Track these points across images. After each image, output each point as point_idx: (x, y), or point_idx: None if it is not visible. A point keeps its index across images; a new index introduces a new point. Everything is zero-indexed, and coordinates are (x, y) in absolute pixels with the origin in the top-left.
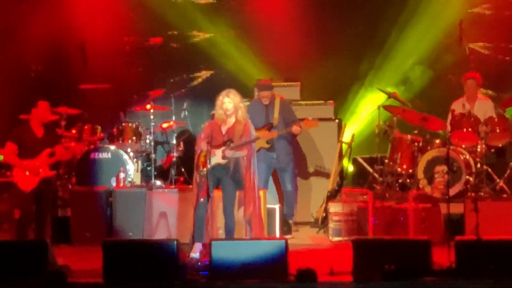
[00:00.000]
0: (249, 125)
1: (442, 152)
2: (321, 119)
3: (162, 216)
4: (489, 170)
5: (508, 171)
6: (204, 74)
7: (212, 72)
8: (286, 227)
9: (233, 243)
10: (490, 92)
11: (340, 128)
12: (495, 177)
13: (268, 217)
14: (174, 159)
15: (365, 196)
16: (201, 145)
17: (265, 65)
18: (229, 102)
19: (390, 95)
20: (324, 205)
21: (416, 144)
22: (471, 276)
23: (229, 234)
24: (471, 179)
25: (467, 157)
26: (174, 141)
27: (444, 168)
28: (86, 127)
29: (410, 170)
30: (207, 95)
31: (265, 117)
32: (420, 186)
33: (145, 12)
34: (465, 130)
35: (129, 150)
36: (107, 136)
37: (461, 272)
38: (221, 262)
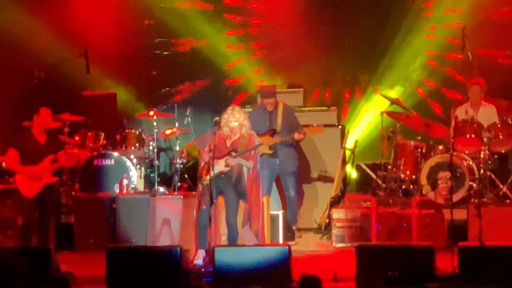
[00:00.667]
0: (254, 138)
1: (445, 158)
2: (324, 126)
3: (166, 222)
4: (493, 176)
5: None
6: (207, 80)
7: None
8: (290, 233)
9: (236, 250)
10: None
11: (343, 134)
12: (498, 183)
13: (271, 223)
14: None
15: (368, 202)
16: (205, 157)
17: (269, 72)
18: (234, 122)
19: (393, 101)
20: (327, 211)
21: (419, 150)
22: (474, 282)
23: (232, 244)
24: (474, 185)
25: (470, 163)
26: (178, 148)
27: (447, 174)
28: (89, 133)
29: (413, 176)
30: (210, 102)
31: (269, 124)
32: (424, 192)
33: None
34: (468, 136)
35: (132, 156)
36: (110, 142)
37: (464, 278)
38: (224, 268)
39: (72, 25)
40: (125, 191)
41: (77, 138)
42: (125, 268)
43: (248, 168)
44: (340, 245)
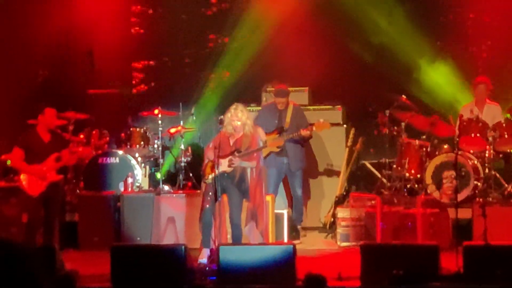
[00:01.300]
0: (257, 136)
1: (450, 157)
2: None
3: (170, 221)
4: (497, 175)
5: None
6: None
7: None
8: (295, 232)
9: (241, 248)
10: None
11: (348, 133)
12: (504, 182)
13: (276, 222)
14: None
15: (373, 201)
16: (209, 155)
17: (274, 70)
18: (237, 121)
19: (397, 100)
20: (332, 210)
21: (424, 149)
22: (479, 281)
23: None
24: (479, 184)
25: (475, 162)
26: (182, 146)
27: (452, 173)
28: (94, 132)
29: (418, 175)
30: (214, 100)
31: (278, 122)
32: (428, 191)
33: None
34: (473, 135)
35: (137, 155)
36: (115, 141)
37: (469, 277)
38: (229, 267)
39: (77, 23)
40: (129, 189)
41: (81, 136)
42: (130, 267)
43: (252, 168)
44: (344, 244)
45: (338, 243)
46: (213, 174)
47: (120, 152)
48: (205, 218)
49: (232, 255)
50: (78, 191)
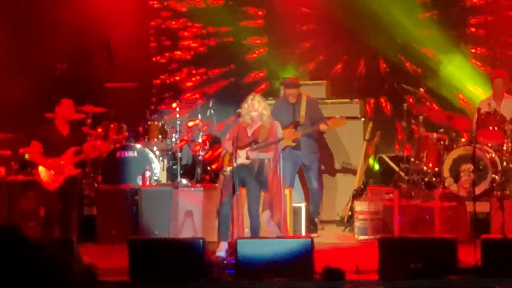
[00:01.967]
0: (275, 127)
1: (468, 150)
2: (347, 118)
3: (188, 214)
4: None
5: None
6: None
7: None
8: (312, 226)
9: (259, 242)
10: None
11: (365, 127)
12: None
13: (294, 216)
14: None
15: (391, 195)
16: (226, 146)
17: (292, 64)
18: (254, 111)
19: (415, 93)
20: (350, 204)
21: (442, 142)
22: (496, 275)
23: (254, 235)
24: (497, 177)
25: (493, 155)
26: (200, 139)
27: (470, 166)
28: (112, 125)
29: (436, 169)
30: (233, 93)
31: (292, 116)
32: (446, 184)
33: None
34: (491, 128)
35: (155, 148)
36: (133, 134)
37: (486, 270)
38: (246, 260)
39: (95, 17)
40: (147, 183)
41: (99, 130)
42: (148, 260)
43: (269, 159)
44: (362, 237)
45: (356, 236)
46: (231, 167)
47: (138, 145)
48: (223, 211)
49: (250, 248)
50: (96, 184)
